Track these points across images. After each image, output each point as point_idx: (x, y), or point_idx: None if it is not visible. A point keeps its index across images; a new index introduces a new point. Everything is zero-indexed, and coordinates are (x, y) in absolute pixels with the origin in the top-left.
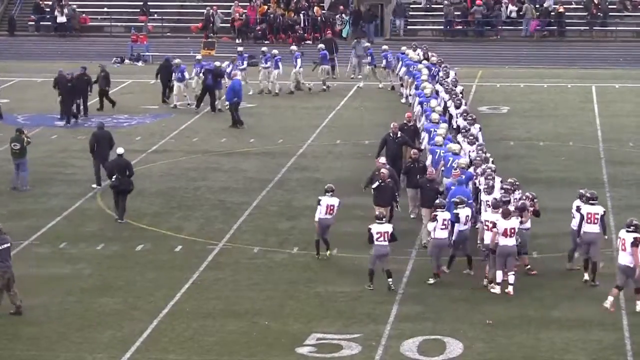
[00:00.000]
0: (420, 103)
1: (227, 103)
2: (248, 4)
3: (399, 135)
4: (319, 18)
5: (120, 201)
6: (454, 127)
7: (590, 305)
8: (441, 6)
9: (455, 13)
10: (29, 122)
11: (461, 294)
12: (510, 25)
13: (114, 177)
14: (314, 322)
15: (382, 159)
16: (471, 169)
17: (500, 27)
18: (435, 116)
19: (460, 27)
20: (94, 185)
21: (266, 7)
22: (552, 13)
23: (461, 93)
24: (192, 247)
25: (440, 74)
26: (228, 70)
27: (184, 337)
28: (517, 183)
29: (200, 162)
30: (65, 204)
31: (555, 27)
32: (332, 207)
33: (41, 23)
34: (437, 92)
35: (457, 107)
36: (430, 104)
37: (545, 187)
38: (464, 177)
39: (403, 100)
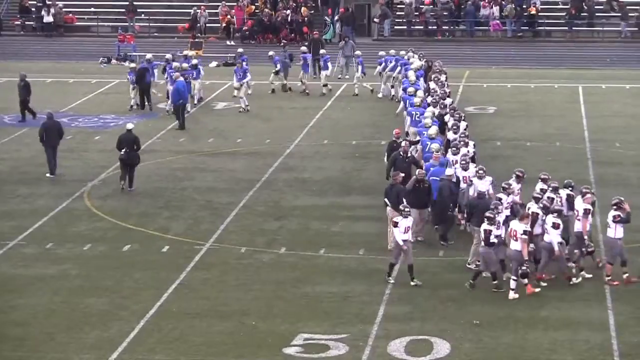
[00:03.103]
0: (404, 89)
1: (171, 105)
2: (235, 4)
3: (409, 154)
4: (305, 19)
5: (129, 173)
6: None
7: (578, 305)
8: (431, 7)
9: (444, 13)
10: (15, 122)
11: (449, 295)
12: (481, 26)
13: (123, 150)
14: (301, 323)
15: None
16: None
17: (452, 27)
18: (417, 100)
19: (419, 27)
20: (48, 175)
21: (253, 7)
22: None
23: (452, 104)
24: (179, 248)
25: (432, 84)
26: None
27: (171, 338)
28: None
29: (187, 162)
30: (52, 204)
31: (529, 28)
32: (408, 228)
33: (27, 23)
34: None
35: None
36: (409, 90)
37: (532, 187)
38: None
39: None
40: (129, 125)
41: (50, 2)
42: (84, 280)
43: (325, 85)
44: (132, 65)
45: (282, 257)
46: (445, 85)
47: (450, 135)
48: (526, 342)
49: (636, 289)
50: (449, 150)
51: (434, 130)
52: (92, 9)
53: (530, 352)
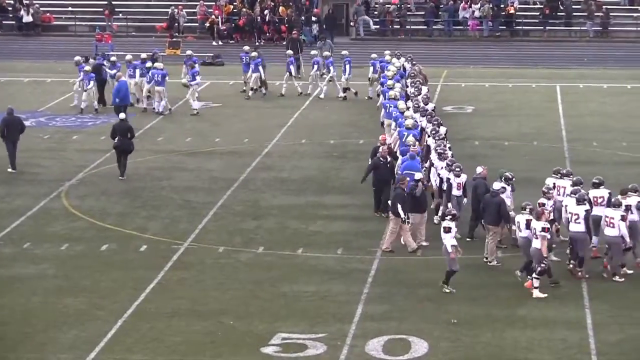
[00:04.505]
0: (382, 84)
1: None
2: (213, 3)
3: (389, 159)
4: (285, 18)
5: (122, 160)
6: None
7: (555, 304)
8: (409, 5)
9: (419, 13)
10: None
11: (426, 294)
12: (459, 25)
13: (117, 138)
14: (279, 322)
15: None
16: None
17: (410, 27)
18: (393, 93)
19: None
20: (10, 169)
21: (231, 6)
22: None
23: (433, 110)
24: (157, 247)
25: (411, 89)
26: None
27: (149, 338)
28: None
29: (165, 161)
30: (29, 204)
31: (506, 27)
32: (449, 229)
33: (4, 22)
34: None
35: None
36: (388, 83)
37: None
38: (416, 153)
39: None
40: (122, 115)
41: (28, 2)
42: (61, 280)
43: (252, 88)
44: (87, 68)
45: (260, 256)
46: (421, 89)
47: (430, 141)
48: (504, 341)
49: (613, 288)
50: (435, 154)
51: (410, 121)
52: (70, 8)
53: (508, 351)
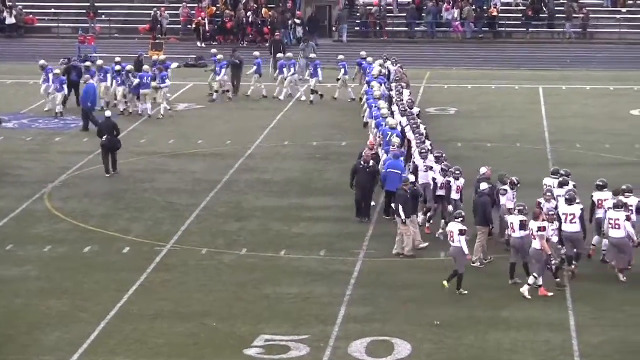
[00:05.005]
0: (368, 83)
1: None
2: (196, 5)
3: (370, 164)
4: (268, 20)
5: (111, 157)
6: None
7: (539, 306)
8: (391, 7)
9: (402, 15)
10: None
11: (410, 295)
12: (443, 27)
13: (104, 137)
14: (262, 324)
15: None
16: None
17: (388, 29)
18: (377, 93)
19: (379, 28)
20: None
21: (214, 8)
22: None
23: (418, 115)
24: (140, 249)
25: (394, 93)
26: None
27: (132, 339)
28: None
29: (148, 163)
30: (12, 206)
31: (489, 29)
32: (464, 231)
33: None
34: (392, 113)
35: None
36: (372, 84)
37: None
38: (399, 153)
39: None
40: (108, 113)
41: (11, 4)
42: (44, 282)
43: (216, 91)
44: (57, 71)
45: (243, 258)
46: (403, 93)
47: (413, 144)
48: (487, 343)
49: (596, 290)
50: (425, 156)
51: (393, 121)
52: (53, 10)
53: (491, 353)
